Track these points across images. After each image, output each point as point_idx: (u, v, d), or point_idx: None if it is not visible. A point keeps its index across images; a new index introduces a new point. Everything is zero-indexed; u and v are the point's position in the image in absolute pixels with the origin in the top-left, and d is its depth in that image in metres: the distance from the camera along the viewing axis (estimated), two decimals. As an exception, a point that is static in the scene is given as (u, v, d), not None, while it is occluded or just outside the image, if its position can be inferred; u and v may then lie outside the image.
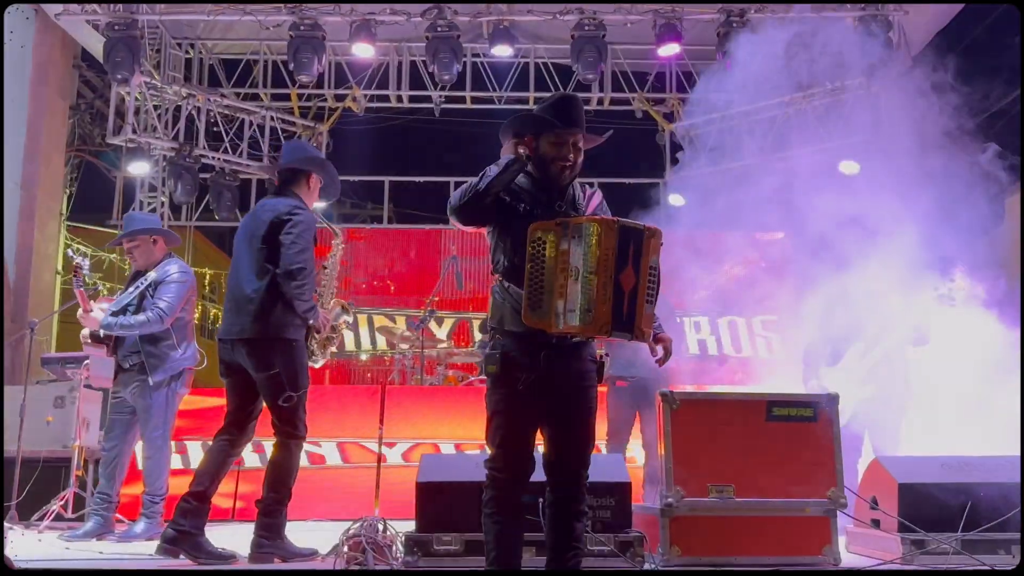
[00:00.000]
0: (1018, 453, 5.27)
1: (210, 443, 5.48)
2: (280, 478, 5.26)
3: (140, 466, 6.56)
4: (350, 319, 5.90)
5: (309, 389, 5.46)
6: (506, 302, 3.91)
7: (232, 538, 5.59)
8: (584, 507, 3.99)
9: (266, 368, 5.22)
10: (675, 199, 11.18)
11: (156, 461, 6.38)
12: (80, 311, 6.42)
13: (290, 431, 5.27)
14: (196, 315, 6.78)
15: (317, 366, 5.44)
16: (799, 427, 5.09)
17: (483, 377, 8.35)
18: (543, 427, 3.96)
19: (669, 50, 11.76)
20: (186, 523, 5.21)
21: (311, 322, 5.37)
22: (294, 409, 5.27)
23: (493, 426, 3.92)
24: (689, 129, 12.95)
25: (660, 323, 4.02)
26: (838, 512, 5.13)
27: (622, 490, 5.10)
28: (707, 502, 5.00)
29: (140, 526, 6.30)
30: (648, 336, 3.88)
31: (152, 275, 6.42)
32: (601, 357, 4.06)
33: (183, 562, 5.25)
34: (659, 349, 4.03)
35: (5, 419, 7.20)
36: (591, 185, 4.22)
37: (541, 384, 3.86)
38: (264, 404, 5.42)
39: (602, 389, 5.88)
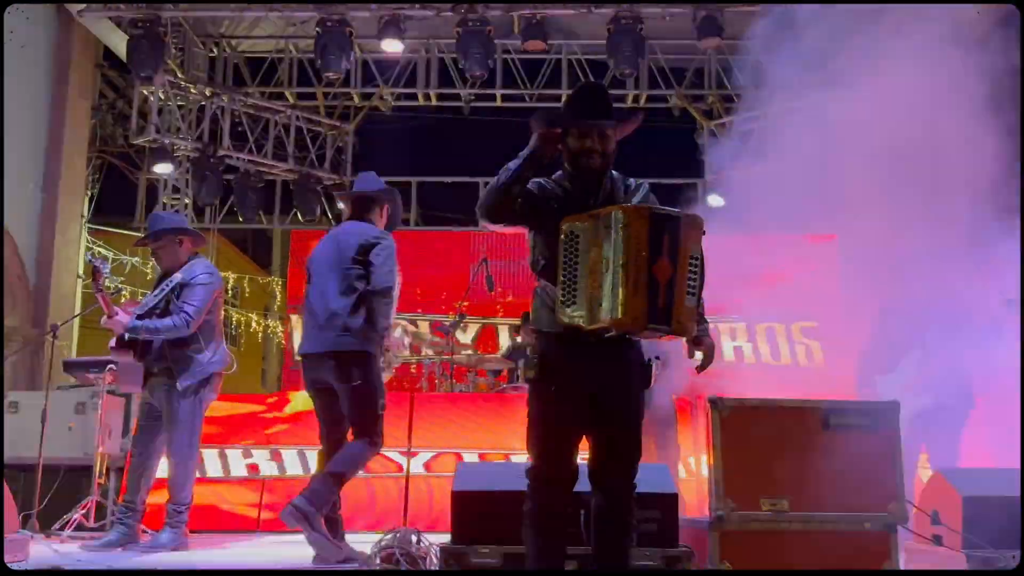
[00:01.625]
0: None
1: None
2: (345, 463, 5.31)
3: (166, 474, 6.35)
4: (408, 340, 5.99)
5: None
6: (544, 303, 3.78)
7: (257, 549, 5.42)
8: (631, 519, 3.82)
9: (353, 380, 5.34)
10: (714, 200, 10.95)
11: (182, 469, 6.18)
12: (104, 316, 6.22)
13: (369, 439, 5.35)
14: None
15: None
16: (858, 437, 4.81)
17: (515, 384, 8.24)
18: (587, 434, 3.80)
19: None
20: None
21: (385, 339, 5.52)
22: (377, 419, 5.39)
23: (533, 434, 3.77)
24: (732, 124, 12.66)
25: (706, 326, 3.81)
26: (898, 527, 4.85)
27: (669, 502, 4.86)
28: (760, 515, 4.72)
29: (165, 536, 6.06)
30: (690, 331, 3.67)
31: (178, 277, 6.24)
32: (649, 359, 3.85)
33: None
34: (697, 355, 3.82)
35: (25, 425, 7.13)
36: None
37: (583, 388, 3.70)
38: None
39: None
